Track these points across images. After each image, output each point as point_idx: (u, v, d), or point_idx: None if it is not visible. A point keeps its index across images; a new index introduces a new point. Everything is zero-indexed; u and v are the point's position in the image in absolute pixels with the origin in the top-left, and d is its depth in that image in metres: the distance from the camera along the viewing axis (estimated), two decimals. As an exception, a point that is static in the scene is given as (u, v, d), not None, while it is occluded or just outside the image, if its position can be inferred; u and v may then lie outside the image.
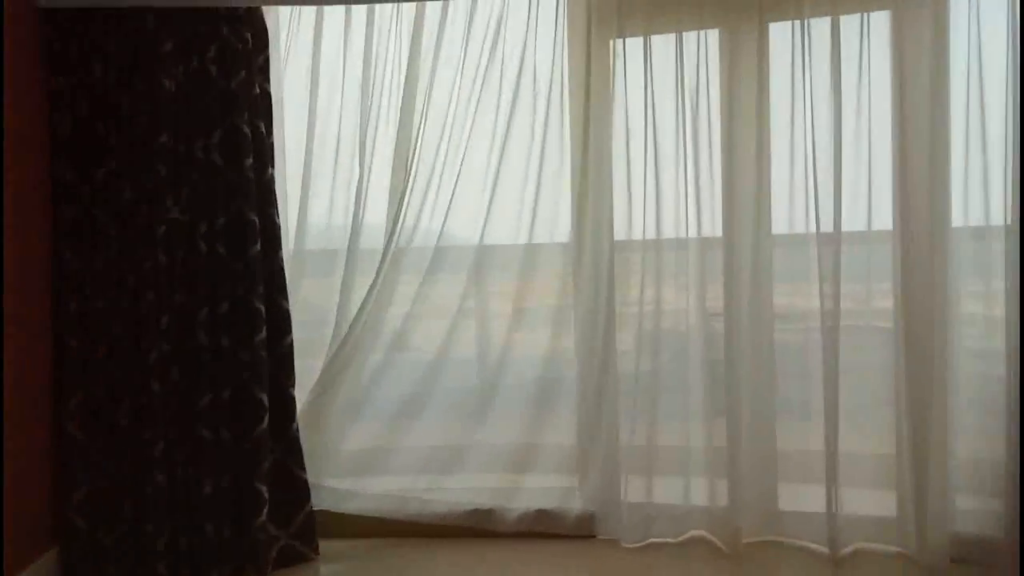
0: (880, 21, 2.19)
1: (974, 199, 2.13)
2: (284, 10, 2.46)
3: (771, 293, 2.30)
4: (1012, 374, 2.07)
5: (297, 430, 2.32)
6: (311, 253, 2.53)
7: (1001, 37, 2.06)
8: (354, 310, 2.45)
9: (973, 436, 2.17)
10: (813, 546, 2.26)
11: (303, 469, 2.33)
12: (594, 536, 2.40)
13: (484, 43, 2.38)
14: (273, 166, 2.30)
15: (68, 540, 2.20)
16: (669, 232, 2.34)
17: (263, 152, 2.26)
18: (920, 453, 2.16)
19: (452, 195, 2.42)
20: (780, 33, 2.24)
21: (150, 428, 2.19)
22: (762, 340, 2.30)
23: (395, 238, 2.41)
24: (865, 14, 2.18)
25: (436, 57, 2.38)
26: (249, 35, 2.24)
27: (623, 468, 2.36)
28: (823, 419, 2.20)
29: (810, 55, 2.20)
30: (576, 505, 2.41)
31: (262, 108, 2.27)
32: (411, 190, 2.40)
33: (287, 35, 2.47)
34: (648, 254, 2.33)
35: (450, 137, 2.40)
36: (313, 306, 2.54)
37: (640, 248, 2.34)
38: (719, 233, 2.30)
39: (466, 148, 2.41)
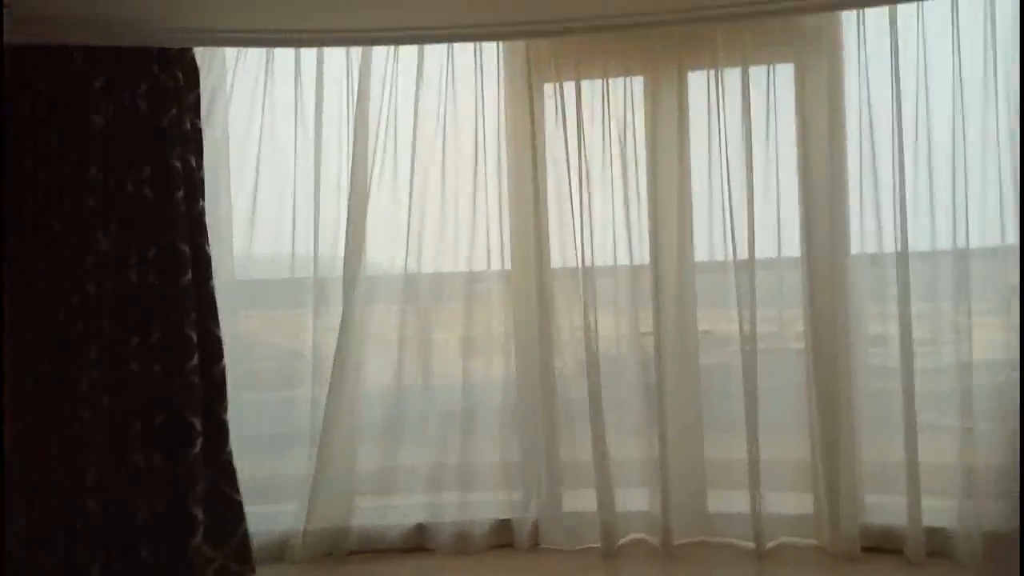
0: (785, 72, 2.47)
1: (868, 228, 2.41)
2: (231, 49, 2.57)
3: (695, 317, 2.53)
4: (907, 388, 2.34)
5: (231, 453, 2.37)
6: (255, 283, 2.63)
7: (887, 87, 2.36)
8: (302, 342, 2.55)
9: (876, 441, 2.44)
10: (740, 543, 2.47)
11: (237, 491, 2.38)
12: (538, 545, 2.54)
13: (432, 82, 2.55)
14: (203, 198, 2.37)
15: (6, 570, 2.19)
16: (601, 260, 2.54)
17: (193, 185, 2.34)
18: (831, 458, 2.42)
19: (408, 227, 2.57)
20: (698, 81, 2.50)
21: (82, 456, 2.22)
22: (688, 361, 2.52)
23: (344, 269, 2.53)
24: (772, 66, 2.46)
25: (391, 95, 2.55)
26: (180, 73, 2.34)
27: (564, 481, 2.53)
28: (745, 431, 2.43)
29: (724, 100, 2.46)
30: (521, 517, 2.55)
31: (193, 144, 2.35)
32: (350, 222, 2.53)
33: (232, 75, 2.57)
34: (584, 281, 2.51)
35: (395, 170, 2.56)
36: (255, 338, 2.64)
37: (574, 275, 2.53)
38: (647, 261, 2.51)
39: (412, 180, 2.56)
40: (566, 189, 2.54)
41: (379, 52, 2.54)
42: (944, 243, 2.37)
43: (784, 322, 2.51)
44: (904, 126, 2.35)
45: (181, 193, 2.31)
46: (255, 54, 2.57)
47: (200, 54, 2.44)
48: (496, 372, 2.58)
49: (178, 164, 2.31)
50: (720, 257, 2.51)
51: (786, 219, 2.46)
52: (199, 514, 2.28)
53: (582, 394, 2.50)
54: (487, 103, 2.57)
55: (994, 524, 2.30)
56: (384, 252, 2.59)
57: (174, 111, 2.31)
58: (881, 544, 2.42)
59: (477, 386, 2.58)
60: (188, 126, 2.34)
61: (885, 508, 2.42)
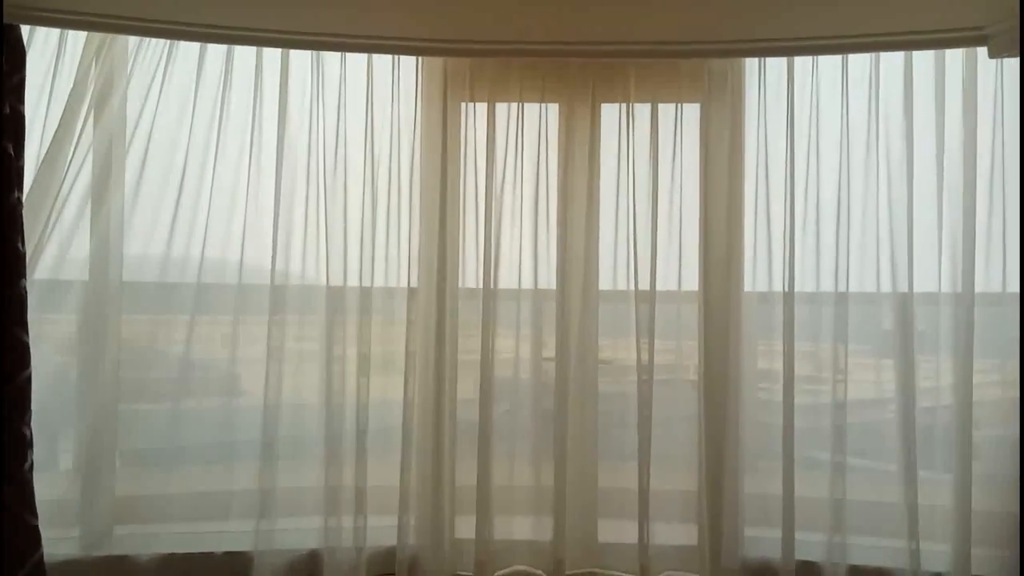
0: (692, 111, 2.72)
1: (761, 267, 2.68)
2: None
3: (596, 345, 2.71)
4: (787, 424, 2.59)
5: (31, 471, 2.30)
6: (134, 286, 2.63)
7: (782, 135, 2.64)
8: (186, 349, 2.56)
9: (759, 475, 2.67)
10: (627, 575, 2.63)
11: (34, 515, 2.30)
12: (421, 573, 2.61)
13: (352, 93, 2.66)
14: (21, 190, 2.31)
15: None
16: (506, 283, 2.69)
17: (8, 175, 2.26)
18: (715, 490, 2.63)
19: (319, 240, 2.65)
20: (610, 113, 2.71)
21: None
22: (587, 389, 2.70)
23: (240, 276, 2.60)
24: (680, 104, 2.71)
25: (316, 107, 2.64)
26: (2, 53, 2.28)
27: (453, 508, 2.63)
28: (637, 461, 2.60)
29: (634, 134, 2.68)
30: (405, 544, 2.61)
31: (11, 129, 2.28)
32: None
33: (132, 64, 2.59)
34: (485, 303, 2.64)
35: (308, 182, 2.65)
36: (135, 344, 2.60)
37: (478, 297, 2.66)
38: (553, 286, 2.68)
39: (325, 192, 2.65)
40: (473, 209, 2.69)
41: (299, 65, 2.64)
42: (827, 285, 2.65)
43: (681, 354, 2.72)
44: (796, 172, 2.63)
45: (-9, 183, 2.23)
46: (156, 45, 2.59)
47: (94, 39, 2.44)
48: (393, 393, 2.65)
49: (-10, 151, 2.22)
50: (623, 287, 2.70)
51: (687, 253, 2.70)
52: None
53: (478, 417, 2.62)
54: (402, 118, 2.68)
55: (861, 559, 2.57)
56: (296, 263, 2.66)
57: (-11, 93, 2.23)
58: (757, 576, 2.64)
59: (373, 406, 2.64)
60: (7, 110, 2.27)
61: (763, 541, 2.64)
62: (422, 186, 2.71)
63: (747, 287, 2.70)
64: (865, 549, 2.59)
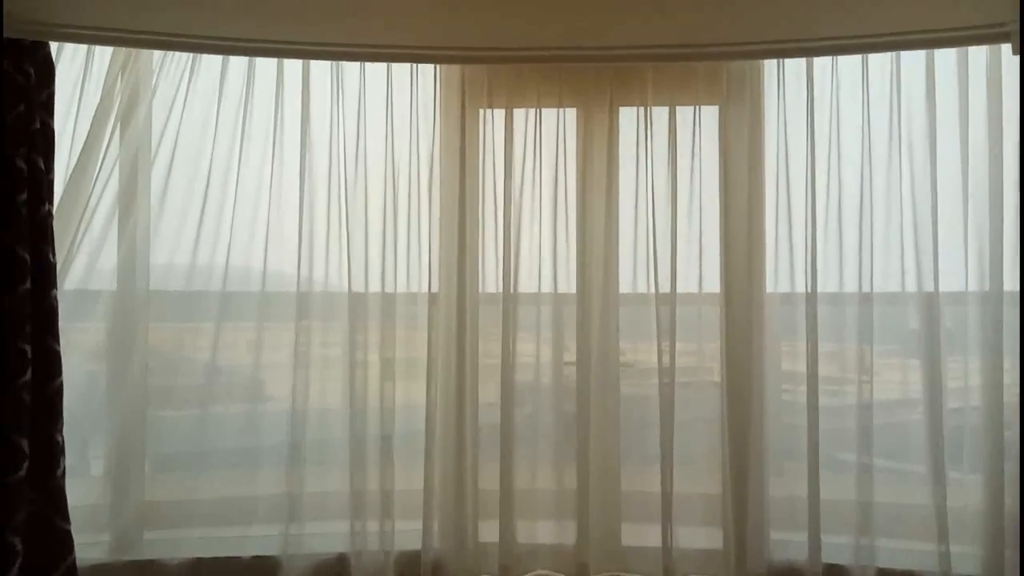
0: (710, 113, 2.73)
1: (783, 268, 2.67)
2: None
3: (617, 348, 2.72)
4: (812, 425, 2.58)
5: (63, 477, 2.36)
6: (161, 294, 2.70)
7: (802, 135, 2.64)
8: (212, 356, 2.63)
9: (784, 478, 2.67)
10: (651, 579, 2.64)
11: (66, 520, 2.37)
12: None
13: (372, 102, 2.71)
14: (52, 202, 2.40)
15: None
16: (526, 287, 2.71)
17: (39, 188, 2.35)
18: (740, 493, 2.63)
19: (342, 246, 2.69)
20: (628, 116, 2.73)
21: None
22: (609, 392, 2.70)
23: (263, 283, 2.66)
24: (698, 107, 2.72)
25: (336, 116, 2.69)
26: (32, 69, 2.36)
27: (476, 512, 2.64)
28: (660, 464, 2.61)
29: (652, 138, 2.70)
30: (429, 547, 2.63)
31: (41, 143, 2.37)
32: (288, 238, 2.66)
33: (156, 76, 2.66)
34: (506, 307, 2.67)
35: (329, 190, 2.69)
36: (163, 351, 2.67)
37: (499, 301, 2.68)
38: (573, 290, 2.69)
39: (346, 200, 2.69)
40: (493, 214, 2.72)
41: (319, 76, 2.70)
42: (851, 286, 2.64)
43: (703, 356, 2.73)
44: (816, 173, 2.62)
45: (24, 196, 2.31)
46: (180, 58, 2.65)
47: (119, 54, 2.51)
48: (416, 397, 2.68)
49: (22, 164, 2.31)
50: (643, 290, 2.71)
51: (707, 255, 2.70)
52: (17, 544, 2.25)
53: (501, 420, 2.64)
54: (421, 125, 2.72)
55: (889, 562, 2.55)
56: (319, 270, 2.71)
57: (22, 107, 2.32)
58: (784, 581, 2.63)
59: (396, 411, 2.68)
60: (38, 124, 2.36)
61: (789, 544, 2.63)
62: (441, 192, 2.75)
63: (769, 288, 2.69)
64: (893, 552, 2.57)
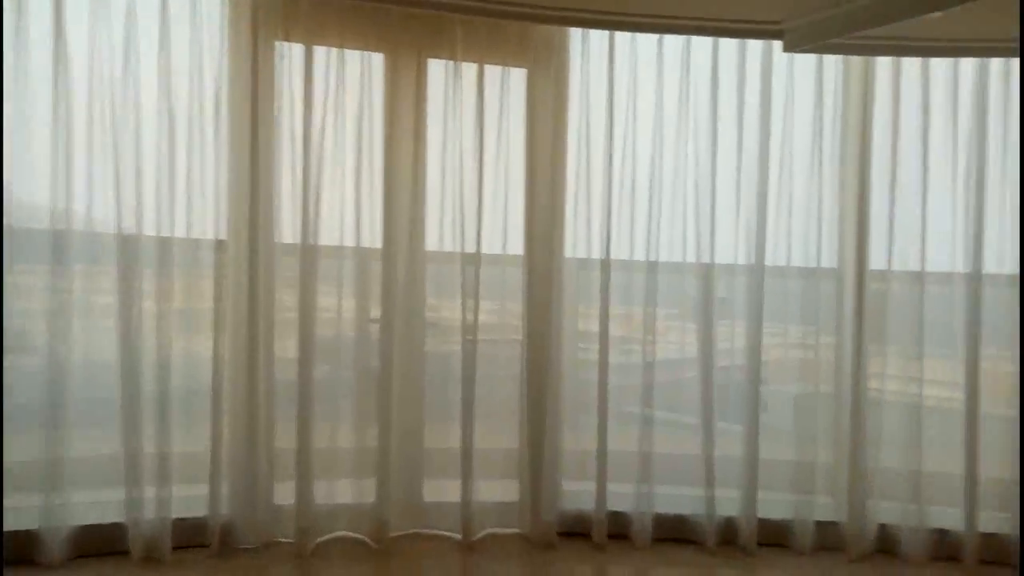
0: (519, 77, 2.80)
1: (580, 235, 2.82)
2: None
3: (423, 305, 2.72)
4: (602, 380, 2.77)
5: None
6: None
7: (602, 107, 2.80)
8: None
9: (577, 432, 2.82)
10: (450, 534, 2.67)
11: None
12: (235, 543, 2.50)
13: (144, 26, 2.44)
14: None
15: None
16: (328, 240, 2.61)
17: None
18: (536, 446, 2.75)
19: (97, 178, 2.41)
20: (436, 68, 2.71)
21: None
22: (414, 349, 2.70)
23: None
24: (506, 68, 2.77)
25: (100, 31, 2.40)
26: None
27: (271, 474, 2.53)
28: (460, 419, 2.65)
29: (462, 91, 2.71)
30: (216, 513, 2.48)
31: None
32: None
33: None
34: (306, 259, 2.55)
35: (91, 113, 2.40)
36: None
37: (297, 252, 2.56)
38: (379, 245, 2.64)
39: (113, 127, 2.41)
40: (290, 159, 2.58)
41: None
42: (639, 255, 2.84)
43: (505, 314, 2.80)
44: (614, 145, 2.79)
45: None
46: None
47: None
48: (201, 351, 2.49)
49: None
50: (449, 248, 2.73)
51: (512, 218, 2.78)
52: None
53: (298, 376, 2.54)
54: (206, 52, 2.50)
55: (665, 507, 2.80)
56: (80, 204, 2.41)
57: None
58: (573, 529, 2.78)
59: (177, 366, 2.47)
60: None
61: (579, 495, 2.79)
62: (230, 128, 2.54)
63: (568, 253, 2.82)
64: (669, 497, 2.81)
